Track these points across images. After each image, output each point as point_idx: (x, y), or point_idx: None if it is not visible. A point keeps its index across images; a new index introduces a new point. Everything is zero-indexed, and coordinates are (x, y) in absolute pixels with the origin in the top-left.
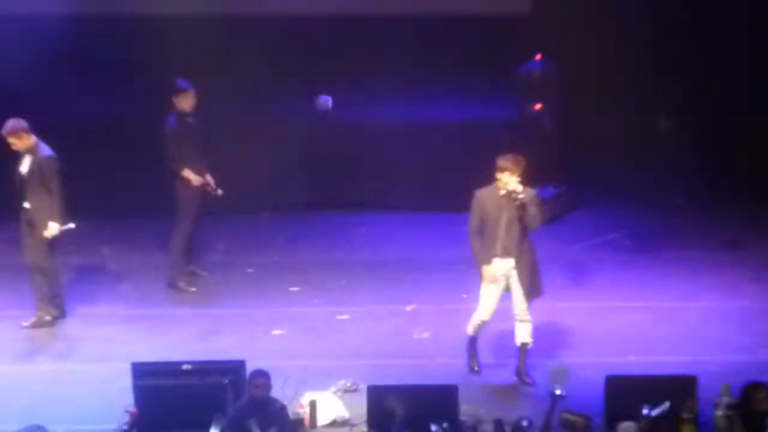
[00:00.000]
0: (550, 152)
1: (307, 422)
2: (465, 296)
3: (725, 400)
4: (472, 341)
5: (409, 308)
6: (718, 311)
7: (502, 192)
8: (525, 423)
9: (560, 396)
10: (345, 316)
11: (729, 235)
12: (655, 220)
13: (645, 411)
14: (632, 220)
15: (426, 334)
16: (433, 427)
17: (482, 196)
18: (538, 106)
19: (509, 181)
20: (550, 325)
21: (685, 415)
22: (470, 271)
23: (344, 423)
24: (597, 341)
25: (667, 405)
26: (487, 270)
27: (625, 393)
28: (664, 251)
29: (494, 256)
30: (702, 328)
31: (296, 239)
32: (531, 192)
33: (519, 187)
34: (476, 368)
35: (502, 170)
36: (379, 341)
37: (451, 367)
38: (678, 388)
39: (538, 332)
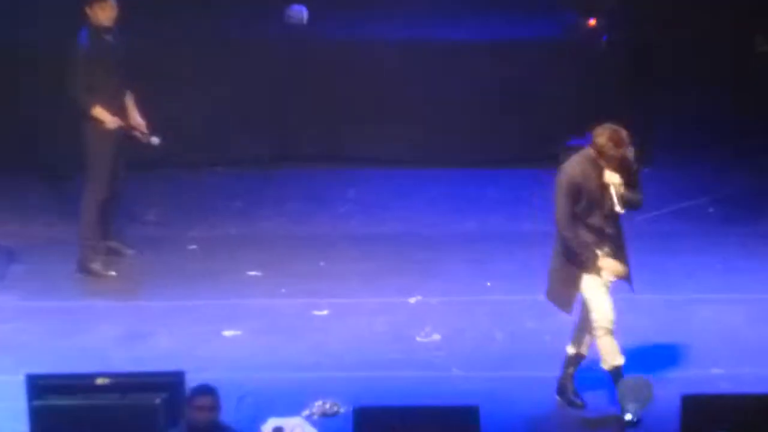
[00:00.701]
0: (606, 85)
1: None
2: (489, 285)
3: None
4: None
5: (412, 300)
6: None
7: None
8: None
9: (632, 422)
10: (324, 311)
11: None
12: (750, 182)
13: None
14: (719, 181)
15: (435, 337)
16: None
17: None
18: (592, 22)
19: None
20: None
21: None
22: (495, 250)
23: None
24: (671, 346)
25: None
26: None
27: (707, 417)
28: (763, 223)
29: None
30: None
31: (259, 205)
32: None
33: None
34: (579, 402)
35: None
36: (370, 346)
37: (470, 382)
38: None
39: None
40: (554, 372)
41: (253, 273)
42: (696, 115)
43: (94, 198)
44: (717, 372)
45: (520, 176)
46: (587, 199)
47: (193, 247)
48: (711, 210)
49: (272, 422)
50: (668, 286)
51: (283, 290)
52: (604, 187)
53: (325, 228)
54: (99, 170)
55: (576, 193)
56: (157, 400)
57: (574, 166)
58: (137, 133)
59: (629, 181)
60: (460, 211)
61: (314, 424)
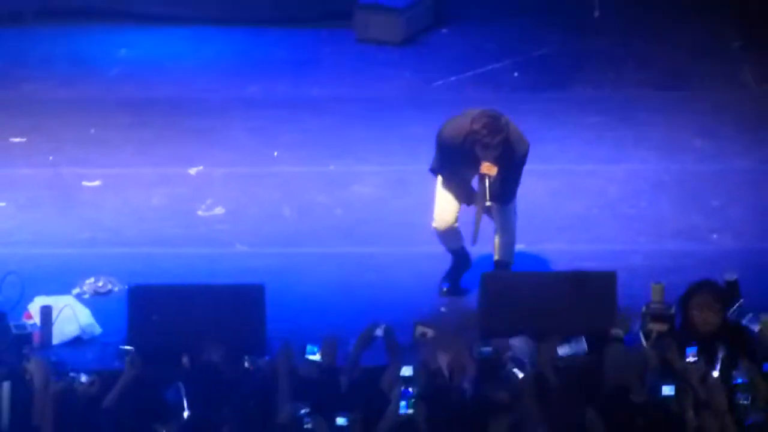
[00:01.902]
0: None
1: (37, 338)
2: (276, 155)
3: (655, 308)
4: None
5: (193, 171)
6: (650, 176)
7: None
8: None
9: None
10: (95, 182)
11: (669, 67)
12: (559, 43)
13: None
14: (525, 41)
15: (218, 210)
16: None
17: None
18: None
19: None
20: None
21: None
22: (281, 117)
23: (93, 339)
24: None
25: (583, 344)
26: None
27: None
28: (572, 88)
29: None
30: (626, 201)
31: (19, 65)
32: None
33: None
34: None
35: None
36: (147, 220)
37: (256, 258)
38: (590, 289)
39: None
40: (345, 248)
41: (16, 139)
42: None
43: None
44: (520, 247)
45: (307, 36)
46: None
47: None
48: (516, 75)
49: (40, 301)
50: None
51: (51, 158)
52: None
53: (95, 92)
54: None
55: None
56: None
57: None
58: None
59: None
60: (242, 74)
61: (86, 303)
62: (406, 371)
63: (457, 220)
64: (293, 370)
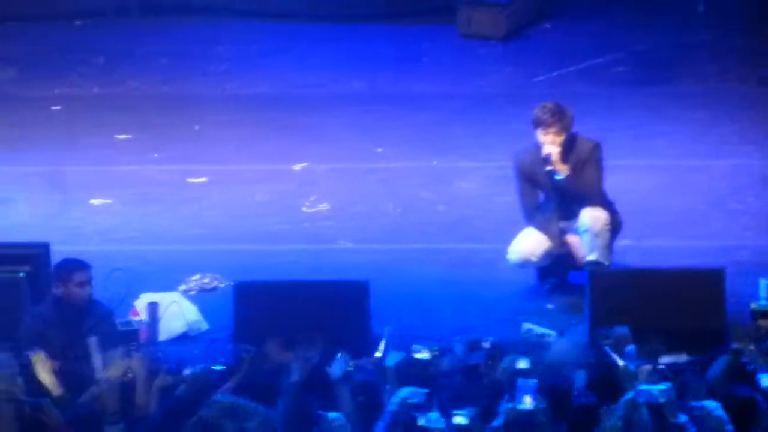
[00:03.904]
0: None
1: (143, 335)
2: (379, 151)
3: (764, 304)
4: None
5: (297, 167)
6: (755, 172)
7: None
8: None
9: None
10: (201, 179)
11: None
12: (663, 38)
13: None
14: (628, 36)
15: (322, 206)
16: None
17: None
18: None
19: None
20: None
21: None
22: (385, 113)
23: (199, 335)
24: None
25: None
26: None
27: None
28: (676, 83)
29: None
30: (732, 197)
31: (126, 60)
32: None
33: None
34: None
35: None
36: (252, 216)
37: (360, 255)
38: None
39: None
40: (449, 244)
41: (121, 136)
42: None
43: None
44: (626, 243)
45: (409, 32)
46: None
47: (56, 108)
48: (620, 69)
49: (146, 298)
50: None
51: (156, 155)
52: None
53: (198, 88)
54: None
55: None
56: (21, 274)
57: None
58: None
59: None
60: (345, 69)
61: (192, 299)
62: (522, 364)
63: (536, 255)
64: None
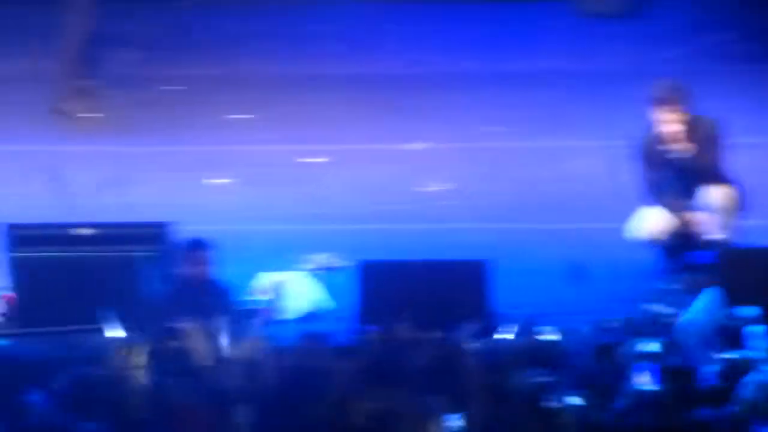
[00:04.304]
0: None
1: (268, 314)
2: (499, 130)
3: None
4: None
5: (418, 147)
6: None
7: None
8: None
9: None
10: (321, 159)
11: None
12: None
13: None
14: (754, 11)
15: (446, 186)
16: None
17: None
18: None
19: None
20: None
21: None
22: (508, 90)
23: (324, 314)
24: None
25: None
26: None
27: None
28: None
29: None
30: None
31: (243, 42)
32: None
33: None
34: None
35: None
36: (373, 195)
37: (483, 234)
38: None
39: None
40: (568, 223)
41: (237, 116)
42: None
43: (80, 32)
44: (751, 222)
45: (528, 10)
46: None
47: (173, 87)
48: (740, 46)
49: (269, 277)
50: None
51: (274, 135)
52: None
53: (318, 67)
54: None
55: None
56: (142, 253)
57: None
58: None
59: None
60: (457, 49)
61: (317, 278)
62: (652, 346)
63: (658, 233)
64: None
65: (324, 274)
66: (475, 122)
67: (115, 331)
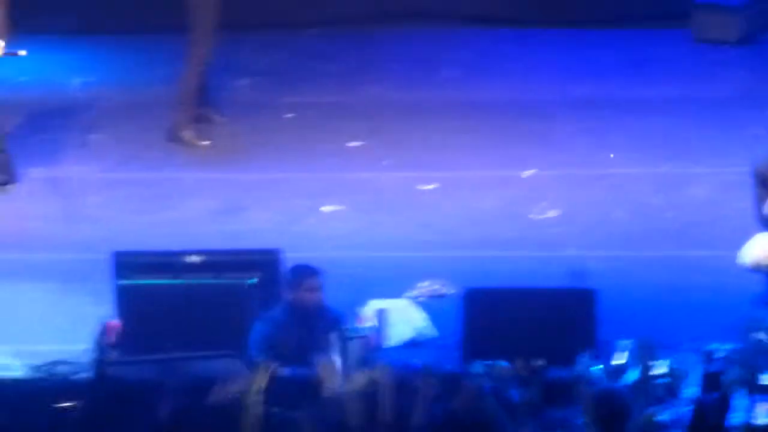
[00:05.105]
0: None
1: (373, 340)
2: (612, 156)
3: None
4: None
5: (525, 174)
6: None
7: None
8: None
9: None
10: (431, 186)
11: None
12: None
13: None
14: None
15: (551, 213)
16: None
17: None
18: None
19: None
20: None
21: None
22: (612, 119)
23: (428, 342)
24: None
25: None
26: None
27: None
28: None
29: None
30: None
31: (360, 69)
32: None
33: None
34: None
35: None
36: (480, 223)
37: (588, 262)
38: None
39: None
40: (678, 251)
41: (353, 143)
42: None
43: (197, 58)
44: None
45: (641, 36)
46: None
47: (290, 115)
48: None
49: (375, 304)
50: None
51: (386, 162)
52: None
53: (434, 93)
54: (202, 24)
55: None
56: (253, 280)
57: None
58: None
59: None
60: (571, 75)
61: (421, 306)
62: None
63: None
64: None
65: (428, 302)
66: (587, 149)
67: (226, 359)
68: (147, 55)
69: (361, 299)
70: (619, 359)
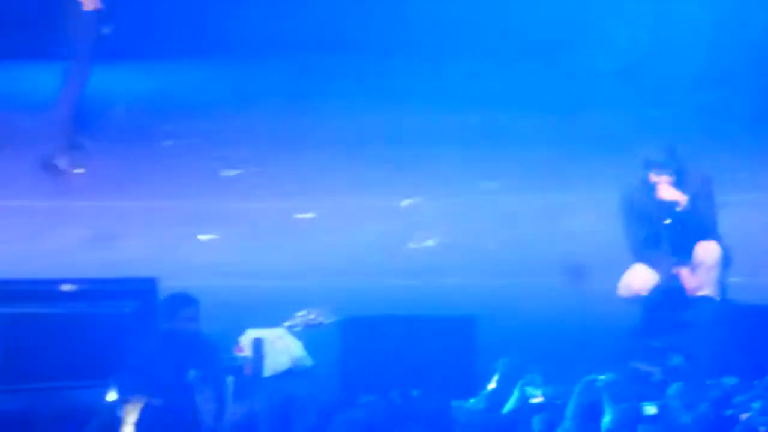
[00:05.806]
0: None
1: (248, 370)
2: (488, 185)
3: None
4: None
5: (405, 203)
6: None
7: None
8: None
9: None
10: (308, 215)
11: None
12: None
13: None
14: None
15: (431, 242)
16: None
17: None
18: None
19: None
20: None
21: None
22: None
23: (304, 372)
24: None
25: None
26: None
27: None
28: None
29: None
30: None
31: (239, 96)
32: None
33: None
34: None
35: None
36: (358, 252)
37: (468, 290)
38: None
39: None
40: (555, 279)
41: (229, 172)
42: None
43: (73, 90)
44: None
45: None
46: None
47: (168, 142)
48: None
49: (251, 333)
50: None
51: (261, 191)
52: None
53: (305, 123)
54: (81, 58)
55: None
56: (128, 310)
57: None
58: None
59: None
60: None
61: (297, 335)
62: (651, 410)
63: (645, 290)
64: None
65: (305, 331)
66: (468, 177)
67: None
68: (14, 83)
69: (239, 328)
70: (493, 383)
